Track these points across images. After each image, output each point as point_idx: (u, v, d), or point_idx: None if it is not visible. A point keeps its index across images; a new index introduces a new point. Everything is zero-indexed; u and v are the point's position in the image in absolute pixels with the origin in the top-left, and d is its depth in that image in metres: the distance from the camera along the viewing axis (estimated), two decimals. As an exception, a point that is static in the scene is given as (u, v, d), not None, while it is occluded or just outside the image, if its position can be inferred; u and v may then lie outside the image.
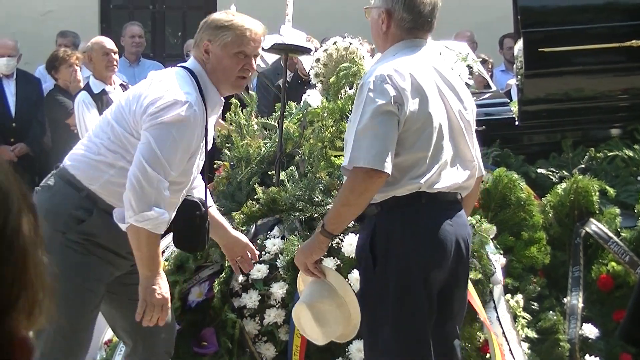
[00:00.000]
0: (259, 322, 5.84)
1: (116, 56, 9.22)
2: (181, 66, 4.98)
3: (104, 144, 4.78)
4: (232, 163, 6.82)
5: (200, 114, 4.69)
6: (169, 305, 4.77)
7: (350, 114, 5.15)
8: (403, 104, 4.48)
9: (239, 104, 7.09)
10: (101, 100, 8.82)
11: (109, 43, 9.26)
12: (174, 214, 4.87)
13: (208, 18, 4.96)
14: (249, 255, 5.36)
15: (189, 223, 4.99)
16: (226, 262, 5.95)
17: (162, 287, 4.68)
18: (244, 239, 5.45)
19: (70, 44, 12.05)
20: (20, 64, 11.32)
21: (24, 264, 0.93)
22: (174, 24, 14.72)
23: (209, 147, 5.13)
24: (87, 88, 9.06)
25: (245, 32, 4.78)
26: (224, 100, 5.08)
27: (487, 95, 8.27)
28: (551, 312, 6.10)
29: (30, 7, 13.47)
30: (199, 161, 4.98)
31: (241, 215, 6.23)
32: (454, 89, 4.81)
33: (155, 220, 4.55)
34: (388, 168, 4.42)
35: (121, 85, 9.16)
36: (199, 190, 5.24)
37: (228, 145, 6.92)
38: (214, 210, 5.39)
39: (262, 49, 7.95)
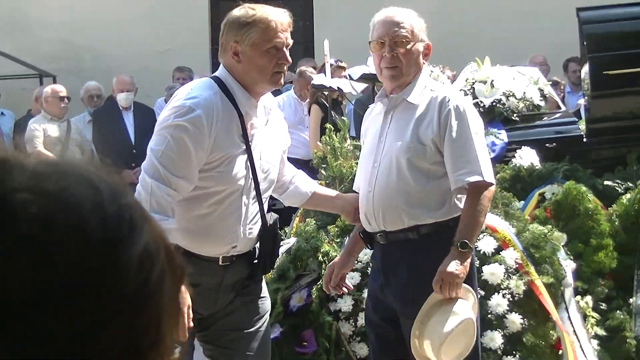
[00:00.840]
0: (353, 324, 5.86)
1: None
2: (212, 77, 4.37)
3: None
4: (327, 181, 6.85)
5: (210, 117, 4.05)
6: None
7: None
8: None
9: (332, 128, 7.13)
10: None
11: None
12: (242, 226, 4.29)
13: (228, 17, 4.23)
14: None
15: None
16: (323, 270, 5.98)
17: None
18: (352, 196, 4.95)
19: (187, 77, 12.23)
20: (141, 97, 11.51)
21: (158, 321, 0.95)
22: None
23: (263, 152, 4.38)
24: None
25: (271, 24, 4.11)
26: (268, 99, 4.46)
27: (557, 115, 8.18)
28: (618, 311, 6.00)
29: (150, 46, 13.69)
30: (248, 165, 4.26)
31: (336, 228, 6.26)
32: None
33: None
34: None
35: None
36: (298, 181, 4.78)
37: (324, 165, 6.94)
38: (318, 188, 5.04)
39: (352, 78, 8.02)
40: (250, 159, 4.26)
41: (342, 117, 8.44)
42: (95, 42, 13.70)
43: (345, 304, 5.85)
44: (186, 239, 4.02)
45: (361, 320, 5.78)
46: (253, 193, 4.32)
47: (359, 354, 5.84)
